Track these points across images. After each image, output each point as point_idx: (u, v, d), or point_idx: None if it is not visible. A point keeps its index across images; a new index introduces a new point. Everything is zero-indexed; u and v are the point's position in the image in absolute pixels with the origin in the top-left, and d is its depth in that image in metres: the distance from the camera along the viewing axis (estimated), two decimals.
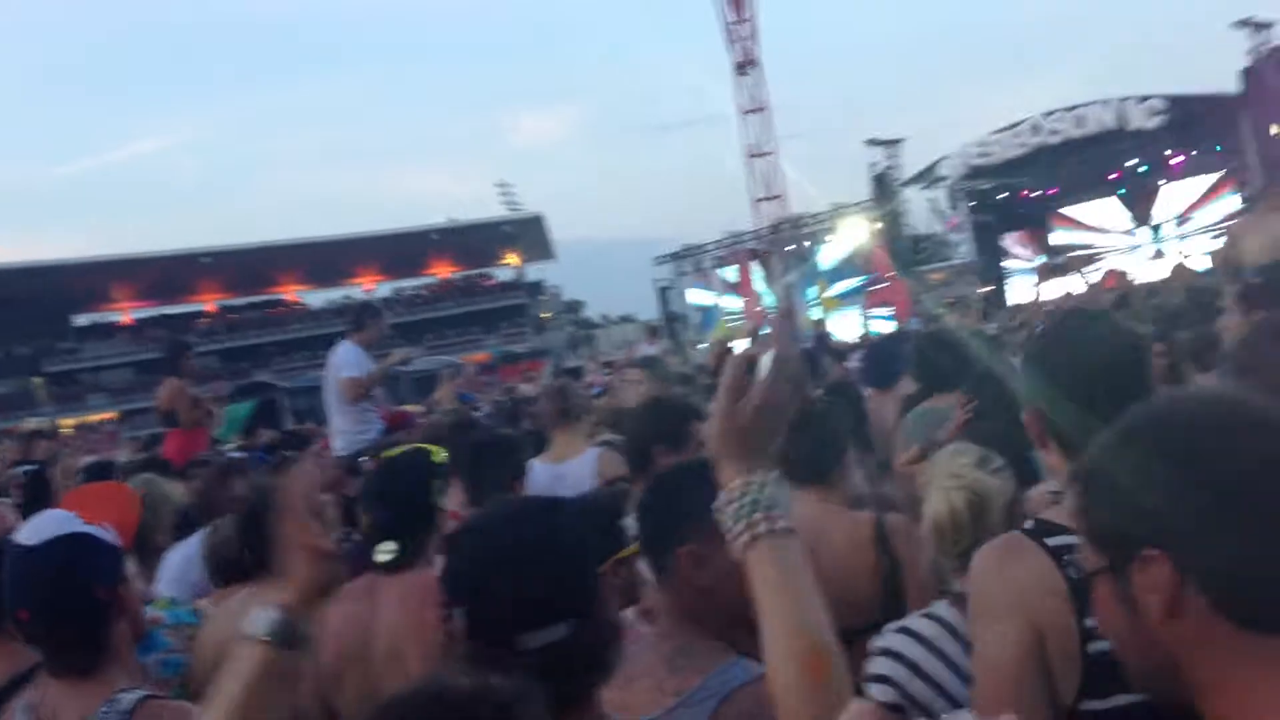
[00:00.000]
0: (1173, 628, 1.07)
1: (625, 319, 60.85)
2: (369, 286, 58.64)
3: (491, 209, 61.72)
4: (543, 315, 59.16)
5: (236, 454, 6.31)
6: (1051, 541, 1.72)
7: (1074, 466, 1.21)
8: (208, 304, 59.49)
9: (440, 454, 3.03)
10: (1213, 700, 1.07)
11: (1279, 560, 1.03)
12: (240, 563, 3.21)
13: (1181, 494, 1.07)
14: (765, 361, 1.39)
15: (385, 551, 2.79)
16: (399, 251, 57.29)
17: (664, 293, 32.15)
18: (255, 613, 1.52)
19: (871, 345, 9.13)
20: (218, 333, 56.12)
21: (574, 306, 68.96)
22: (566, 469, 4.76)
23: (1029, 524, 1.82)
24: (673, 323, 31.88)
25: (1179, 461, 1.09)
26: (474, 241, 58.59)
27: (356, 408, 7.04)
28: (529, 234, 58.47)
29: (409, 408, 9.35)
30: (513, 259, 60.54)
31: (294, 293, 60.83)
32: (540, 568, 1.58)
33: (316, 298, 60.48)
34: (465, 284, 61.12)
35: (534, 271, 60.91)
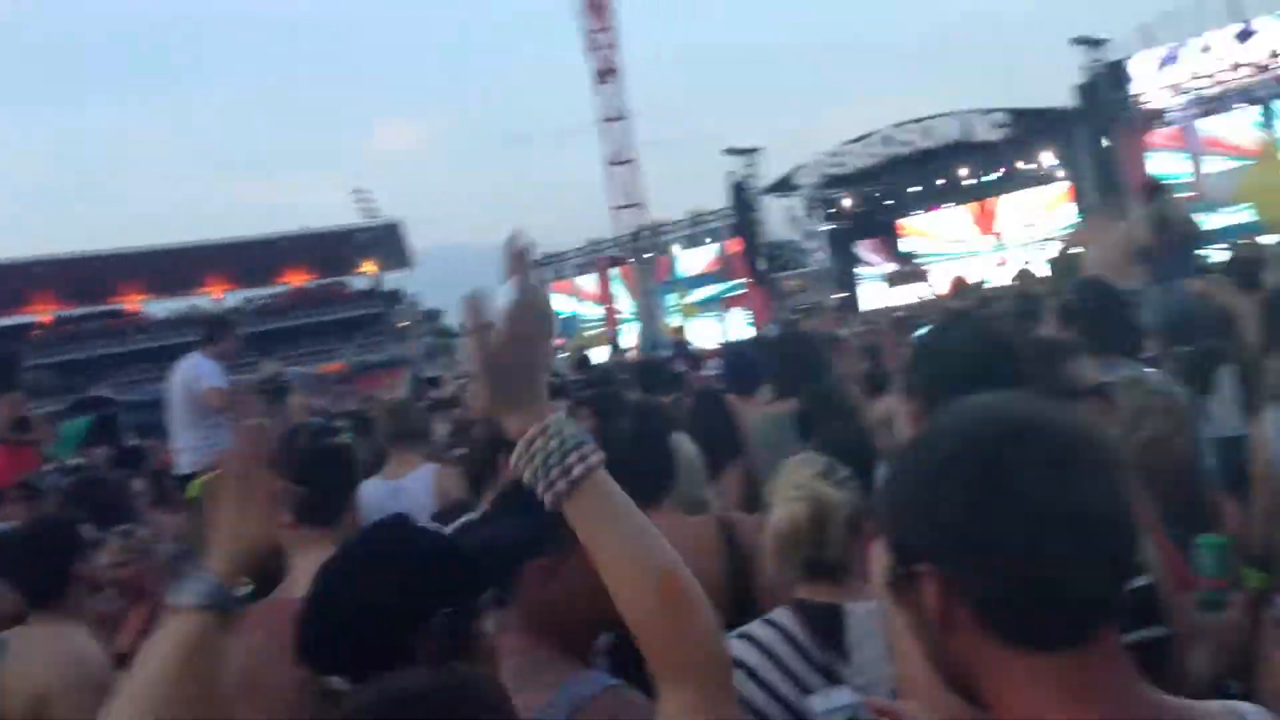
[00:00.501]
0: (951, 641, 1.06)
1: None
2: (217, 296, 56.89)
3: (347, 217, 60.60)
4: (401, 324, 58.29)
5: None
6: None
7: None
8: (42, 315, 56.77)
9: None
10: (997, 715, 1.06)
11: (1033, 576, 1.01)
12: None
13: (943, 508, 1.04)
14: (503, 294, 1.35)
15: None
16: (249, 260, 55.78)
17: None
18: (186, 581, 1.47)
19: (729, 352, 9.19)
20: (52, 345, 53.57)
21: (433, 315, 68.03)
22: (402, 486, 4.67)
23: None
24: None
25: (942, 475, 1.06)
26: (328, 250, 57.38)
27: (208, 422, 6.75)
28: (386, 242, 57.56)
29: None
30: (369, 267, 59.49)
31: (136, 303, 58.55)
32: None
33: (160, 308, 58.35)
34: (319, 293, 59.75)
35: (392, 280, 59.96)
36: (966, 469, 1.04)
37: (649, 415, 3.39)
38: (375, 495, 4.41)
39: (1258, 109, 20.99)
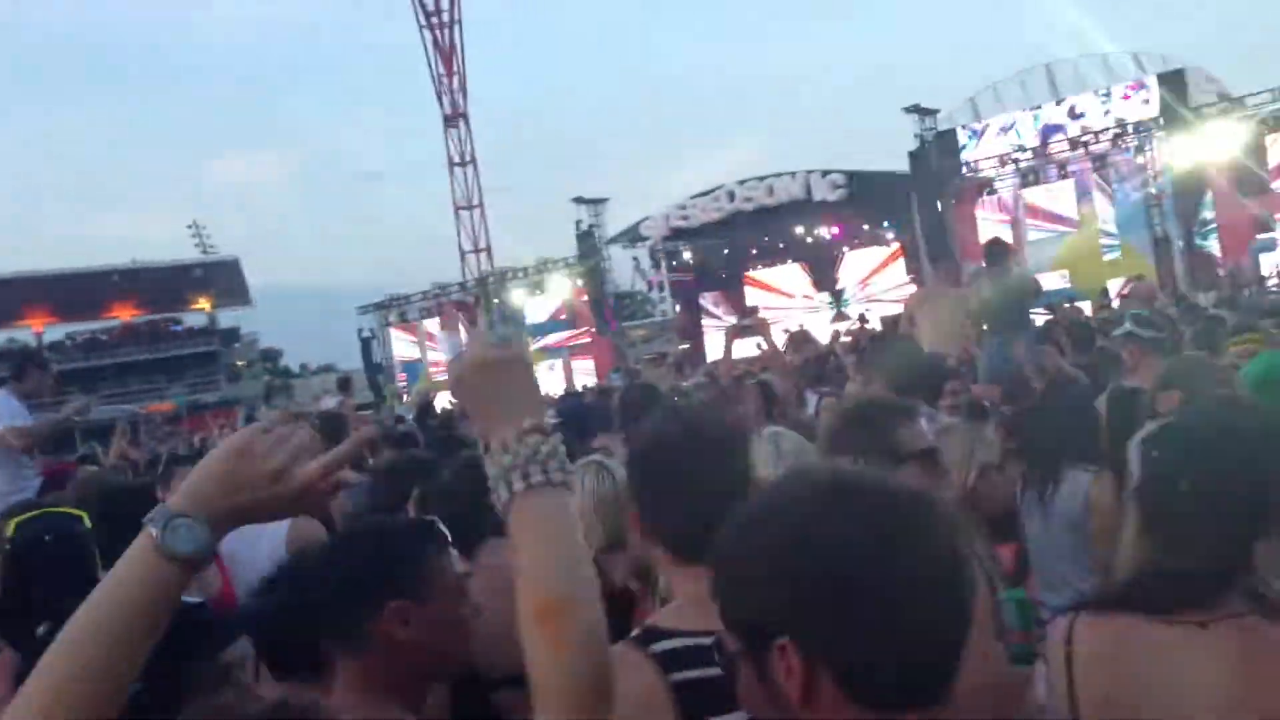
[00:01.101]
0: (809, 711, 1.07)
1: (326, 369, 58.91)
2: (38, 329, 54.00)
3: (183, 251, 58.60)
4: (237, 363, 56.44)
5: None
6: (658, 648, 1.71)
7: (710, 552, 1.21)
8: None
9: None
10: None
11: (889, 639, 1.05)
12: None
13: (796, 581, 1.07)
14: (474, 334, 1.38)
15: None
16: (74, 292, 53.17)
17: (367, 343, 31.44)
18: (180, 524, 1.26)
19: (564, 401, 9.24)
20: None
21: (271, 355, 66.15)
22: (254, 535, 4.51)
23: (636, 631, 1.80)
24: (375, 374, 31.20)
25: (790, 548, 1.09)
26: (161, 284, 55.24)
27: (13, 463, 6.39)
28: (223, 278, 55.81)
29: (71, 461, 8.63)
30: (204, 304, 57.48)
31: None
32: None
33: None
34: (150, 329, 57.33)
35: (228, 317, 58.10)
36: (821, 538, 1.07)
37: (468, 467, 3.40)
38: (229, 541, 4.27)
39: (1074, 181, 22.26)
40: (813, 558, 1.07)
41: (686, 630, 1.70)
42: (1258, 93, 20.46)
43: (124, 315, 57.45)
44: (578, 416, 6.51)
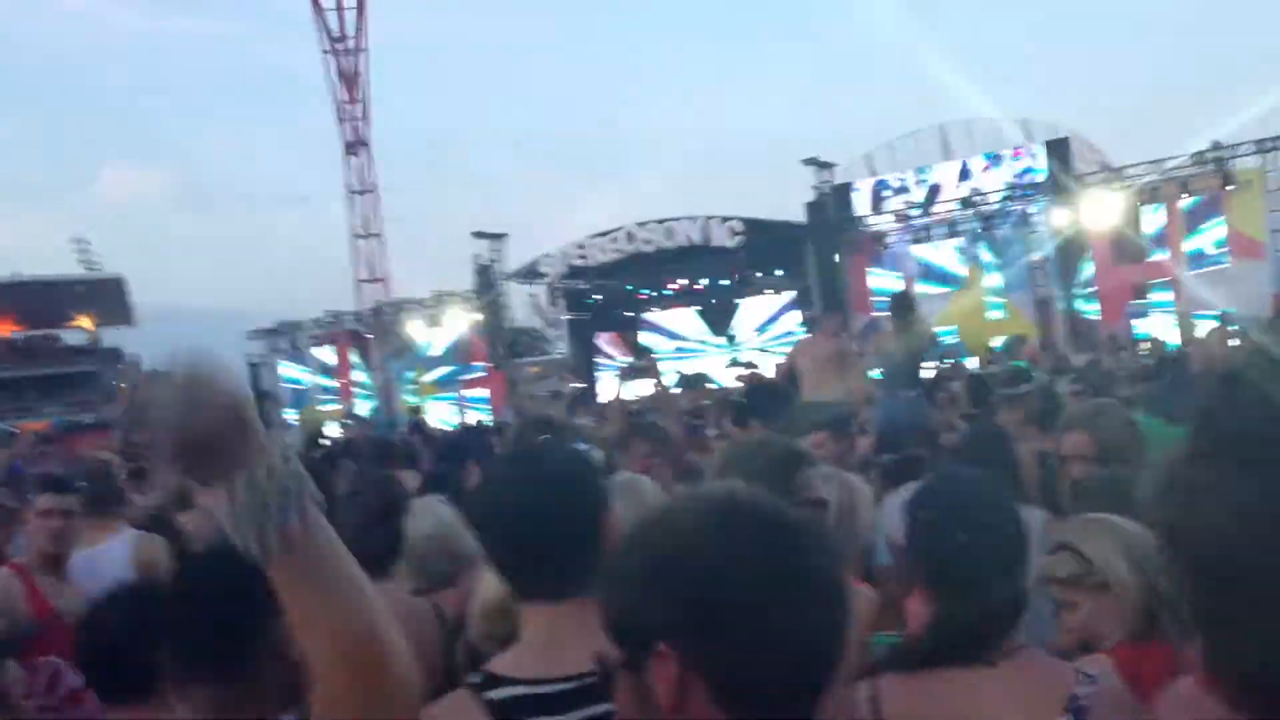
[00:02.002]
0: (680, 718, 1.09)
1: None
2: None
3: (65, 266, 56.66)
4: (119, 384, 54.63)
5: None
6: (495, 695, 1.70)
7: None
8: None
9: None
10: None
11: (763, 653, 1.08)
12: None
13: (678, 588, 1.10)
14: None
15: None
16: None
17: (255, 369, 30.74)
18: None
19: (445, 438, 9.19)
20: None
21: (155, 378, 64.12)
22: (99, 555, 4.43)
23: (476, 677, 1.77)
24: (263, 400, 30.50)
25: (676, 557, 1.12)
26: (39, 300, 53.32)
27: None
28: (106, 296, 54.06)
29: None
30: (85, 322, 55.61)
31: None
32: None
33: None
34: (26, 345, 55.25)
35: (111, 337, 56.26)
36: (706, 550, 1.10)
37: (367, 490, 3.37)
38: (72, 564, 4.24)
39: (963, 240, 22.94)
40: (696, 568, 1.10)
41: (525, 679, 1.69)
42: (1135, 164, 21.45)
43: (2, 330, 55.34)
44: (462, 450, 6.48)
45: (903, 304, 8.68)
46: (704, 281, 27.27)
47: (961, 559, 1.94)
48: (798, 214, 23.80)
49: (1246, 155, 20.33)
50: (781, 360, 10.57)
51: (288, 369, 31.53)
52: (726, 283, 27.01)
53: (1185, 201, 20.59)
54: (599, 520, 1.79)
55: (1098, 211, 20.55)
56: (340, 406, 29.34)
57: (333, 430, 22.06)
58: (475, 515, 2.00)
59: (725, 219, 24.71)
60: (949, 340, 20.73)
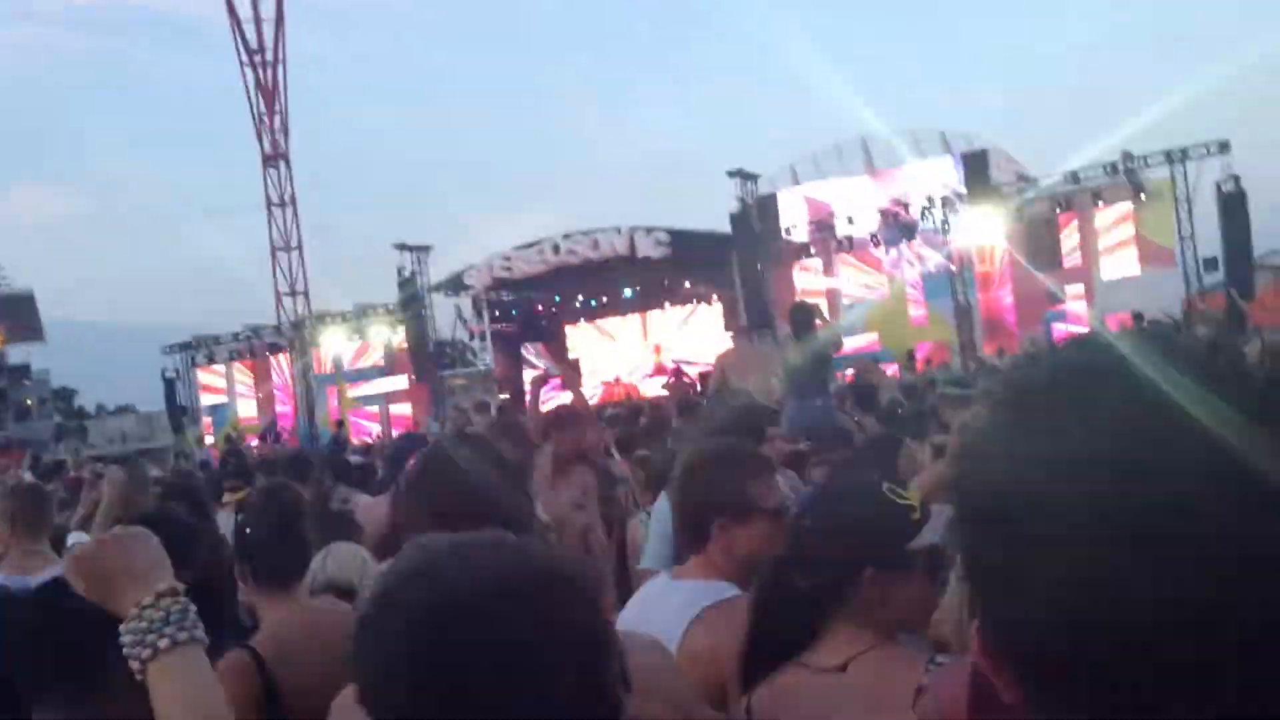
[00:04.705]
0: None
1: (124, 409, 56.04)
2: None
3: None
4: (25, 401, 53.12)
5: None
6: None
7: None
8: None
9: None
10: None
11: None
12: None
13: (373, 655, 1.10)
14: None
15: None
16: None
17: (170, 384, 30.04)
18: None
19: (393, 449, 8.97)
20: None
21: (65, 394, 62.59)
22: (29, 584, 4.22)
23: None
24: (179, 416, 29.82)
25: (379, 613, 1.12)
26: None
27: None
28: (14, 312, 52.59)
29: None
30: None
31: None
32: None
33: None
34: None
35: (18, 353, 54.71)
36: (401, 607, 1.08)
37: (270, 504, 3.24)
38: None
39: (884, 249, 23.27)
40: (395, 633, 1.06)
41: None
42: (1051, 175, 22.00)
43: None
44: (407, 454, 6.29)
45: (799, 316, 8.74)
46: (629, 292, 27.25)
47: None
48: (723, 225, 23.88)
49: (1157, 165, 20.96)
50: (708, 367, 10.59)
51: (204, 384, 30.86)
52: (652, 292, 27.04)
53: (1099, 211, 21.19)
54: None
55: (1013, 220, 21.00)
56: (259, 421, 28.80)
57: (252, 443, 21.65)
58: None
59: (650, 229, 24.74)
60: (873, 346, 21.09)
